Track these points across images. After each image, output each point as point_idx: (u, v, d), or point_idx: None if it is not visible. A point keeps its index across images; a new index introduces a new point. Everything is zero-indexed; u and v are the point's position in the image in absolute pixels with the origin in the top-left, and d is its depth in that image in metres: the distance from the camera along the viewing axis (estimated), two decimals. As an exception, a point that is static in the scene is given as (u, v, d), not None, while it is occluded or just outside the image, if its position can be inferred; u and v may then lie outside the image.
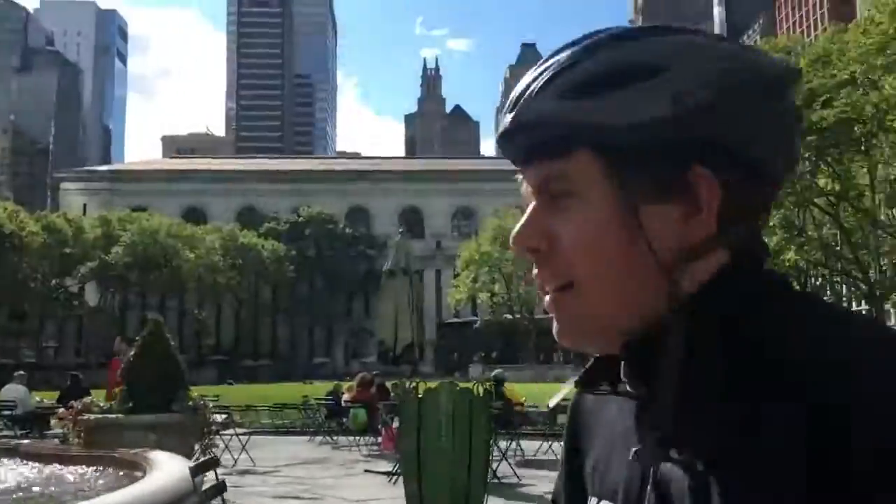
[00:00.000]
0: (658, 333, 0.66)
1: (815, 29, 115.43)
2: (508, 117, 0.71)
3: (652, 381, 0.66)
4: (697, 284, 0.68)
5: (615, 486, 0.73)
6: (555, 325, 0.72)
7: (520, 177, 0.74)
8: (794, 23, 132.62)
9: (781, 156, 0.70)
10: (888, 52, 30.14)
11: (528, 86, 0.70)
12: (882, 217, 36.55)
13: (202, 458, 7.47)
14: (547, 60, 0.71)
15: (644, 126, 0.65)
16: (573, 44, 0.71)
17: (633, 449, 0.67)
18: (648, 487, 0.65)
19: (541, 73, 0.70)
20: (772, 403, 0.58)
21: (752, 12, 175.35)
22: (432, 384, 7.35)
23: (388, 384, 17.60)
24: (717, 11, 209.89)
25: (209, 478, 4.09)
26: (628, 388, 0.72)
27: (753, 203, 0.70)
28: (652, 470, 0.65)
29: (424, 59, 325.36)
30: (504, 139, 0.72)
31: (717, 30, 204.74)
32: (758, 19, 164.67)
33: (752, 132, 0.68)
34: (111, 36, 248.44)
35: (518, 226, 0.72)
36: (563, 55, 0.70)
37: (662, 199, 0.67)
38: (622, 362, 0.71)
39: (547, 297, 0.72)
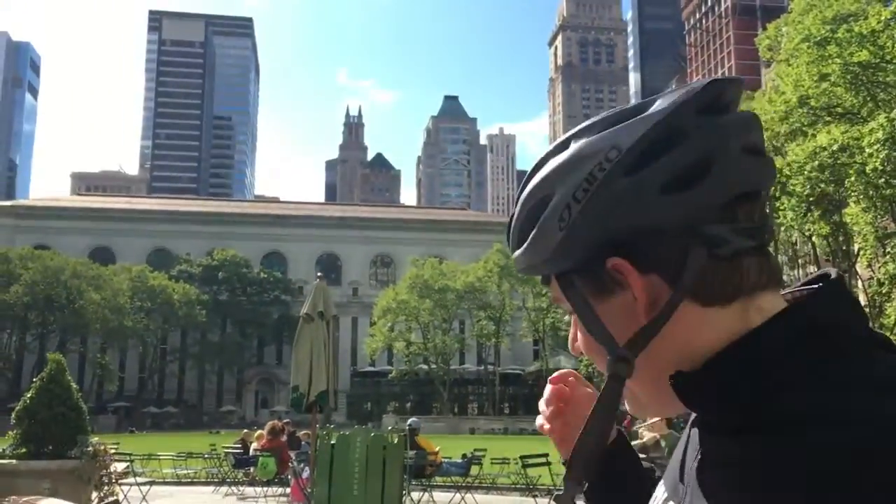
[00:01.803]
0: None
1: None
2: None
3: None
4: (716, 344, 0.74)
5: (676, 484, 0.81)
6: None
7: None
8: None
9: (669, 222, 0.73)
10: (791, 120, 31.90)
11: (510, 243, 0.83)
12: (785, 278, 38.04)
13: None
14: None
15: (550, 256, 0.77)
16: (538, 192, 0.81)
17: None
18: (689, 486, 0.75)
19: (509, 236, 0.84)
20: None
21: (665, 78, 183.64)
22: (345, 432, 7.19)
23: (300, 433, 17.21)
24: (633, 77, 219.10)
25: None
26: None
27: (680, 255, 0.73)
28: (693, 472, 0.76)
29: (347, 107, 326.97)
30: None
31: (632, 92, 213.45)
32: (670, 85, 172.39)
33: (628, 216, 0.74)
34: (23, 69, 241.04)
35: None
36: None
37: (605, 295, 0.77)
38: None
39: None
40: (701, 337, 0.73)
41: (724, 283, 0.73)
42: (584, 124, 0.78)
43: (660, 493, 0.83)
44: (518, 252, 0.80)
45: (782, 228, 36.37)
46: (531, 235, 0.77)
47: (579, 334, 0.82)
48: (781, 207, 32.38)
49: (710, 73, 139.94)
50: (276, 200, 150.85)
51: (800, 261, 46.35)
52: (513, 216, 0.81)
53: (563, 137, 0.79)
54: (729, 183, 0.72)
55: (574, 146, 0.76)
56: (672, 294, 0.73)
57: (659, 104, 0.75)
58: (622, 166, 0.73)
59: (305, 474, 12.14)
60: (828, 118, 31.65)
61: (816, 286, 0.76)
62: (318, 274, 12.51)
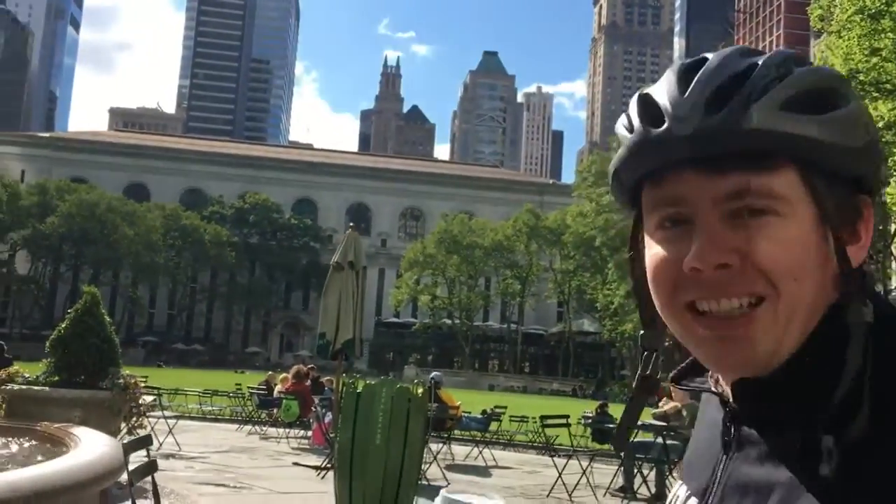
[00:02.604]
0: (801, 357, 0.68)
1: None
2: (712, 119, 0.68)
3: (776, 400, 0.68)
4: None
5: (700, 483, 0.76)
6: (721, 350, 0.70)
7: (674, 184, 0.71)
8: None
9: (882, 187, 0.73)
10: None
11: (732, 88, 0.69)
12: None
13: (132, 438, 7.25)
14: (730, 65, 0.71)
15: (855, 151, 0.68)
16: (749, 53, 0.73)
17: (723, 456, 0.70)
18: (721, 483, 0.69)
19: (743, 78, 0.69)
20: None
21: (711, 44, 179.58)
22: (372, 382, 7.28)
23: (324, 379, 17.48)
24: (678, 42, 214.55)
25: (139, 456, 3.95)
26: (731, 395, 0.74)
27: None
28: (728, 465, 0.69)
29: (385, 57, 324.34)
30: (689, 141, 0.69)
31: (675, 56, 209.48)
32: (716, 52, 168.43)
33: (881, 169, 0.72)
34: (66, 1, 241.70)
35: (703, 241, 0.69)
36: (757, 64, 0.70)
37: (843, 224, 0.69)
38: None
39: (704, 321, 0.71)
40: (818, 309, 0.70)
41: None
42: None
43: (682, 492, 0.78)
44: (803, 116, 0.68)
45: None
46: (834, 114, 0.68)
47: (771, 249, 0.68)
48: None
49: (757, 40, 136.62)
50: (309, 147, 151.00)
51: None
52: (757, 64, 0.70)
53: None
54: None
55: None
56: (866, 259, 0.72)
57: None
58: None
59: (327, 419, 12.36)
60: (875, 94, 30.87)
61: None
62: (351, 224, 12.59)
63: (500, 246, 71.87)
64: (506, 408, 15.59)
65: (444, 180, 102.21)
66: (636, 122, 0.72)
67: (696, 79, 0.70)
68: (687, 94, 0.70)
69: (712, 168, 0.69)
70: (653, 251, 0.74)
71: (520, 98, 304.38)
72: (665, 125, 0.70)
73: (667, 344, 0.78)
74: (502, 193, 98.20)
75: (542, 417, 11.86)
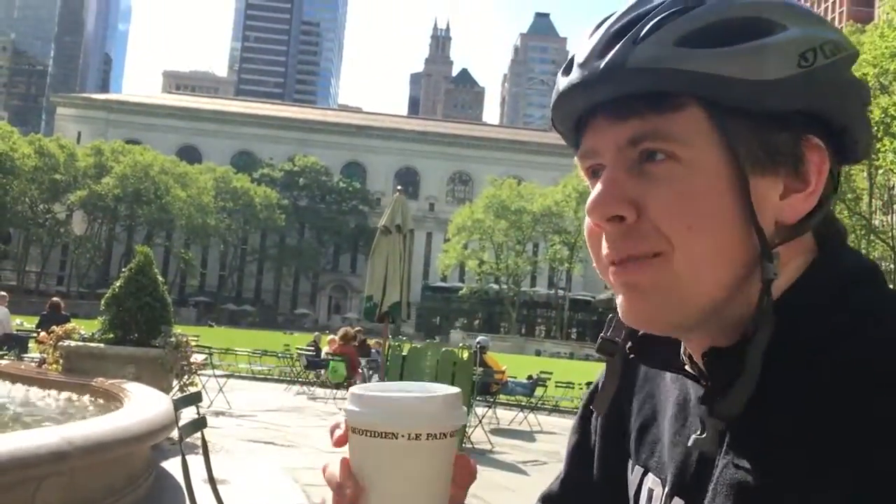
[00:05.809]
0: (749, 322, 0.61)
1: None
2: (600, 62, 0.62)
3: (730, 372, 0.60)
4: (791, 271, 0.64)
5: (663, 463, 0.71)
6: (626, 301, 0.65)
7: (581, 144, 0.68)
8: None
9: (862, 135, 0.66)
10: (902, 58, 29.96)
11: (629, 28, 0.63)
12: (876, 223, 36.68)
13: (183, 394, 7.39)
14: (641, 5, 0.64)
15: (771, 85, 0.60)
16: None
17: (694, 436, 0.62)
18: (713, 482, 0.61)
19: (644, 16, 0.63)
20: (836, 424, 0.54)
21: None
22: (417, 345, 7.29)
23: (371, 341, 17.63)
24: None
25: (190, 413, 4.02)
26: (699, 370, 0.68)
27: (838, 182, 0.67)
28: (718, 463, 0.62)
29: (436, 19, 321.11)
30: (584, 88, 0.64)
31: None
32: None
33: (848, 108, 0.65)
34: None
35: (597, 192, 0.64)
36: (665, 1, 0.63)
37: (771, 169, 0.62)
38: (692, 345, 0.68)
39: (614, 270, 0.64)
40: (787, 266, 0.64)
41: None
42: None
43: (653, 484, 0.72)
44: (702, 51, 0.60)
45: (880, 171, 34.70)
46: (743, 47, 0.60)
47: (668, 197, 0.62)
48: (882, 149, 30.80)
49: (818, 3, 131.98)
50: (359, 111, 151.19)
51: (895, 206, 44.34)
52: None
53: None
54: None
55: (808, 9, 0.65)
56: (817, 209, 0.64)
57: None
58: (852, 60, 0.65)
59: (374, 381, 12.49)
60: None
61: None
62: (398, 188, 12.58)
63: (548, 211, 71.38)
64: (552, 373, 15.54)
65: (493, 144, 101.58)
66: (560, 71, 0.68)
67: (604, 22, 0.66)
68: (590, 37, 0.65)
69: (613, 113, 0.64)
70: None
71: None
72: (570, 72, 0.66)
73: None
74: (552, 158, 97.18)
75: (589, 384, 11.82)
